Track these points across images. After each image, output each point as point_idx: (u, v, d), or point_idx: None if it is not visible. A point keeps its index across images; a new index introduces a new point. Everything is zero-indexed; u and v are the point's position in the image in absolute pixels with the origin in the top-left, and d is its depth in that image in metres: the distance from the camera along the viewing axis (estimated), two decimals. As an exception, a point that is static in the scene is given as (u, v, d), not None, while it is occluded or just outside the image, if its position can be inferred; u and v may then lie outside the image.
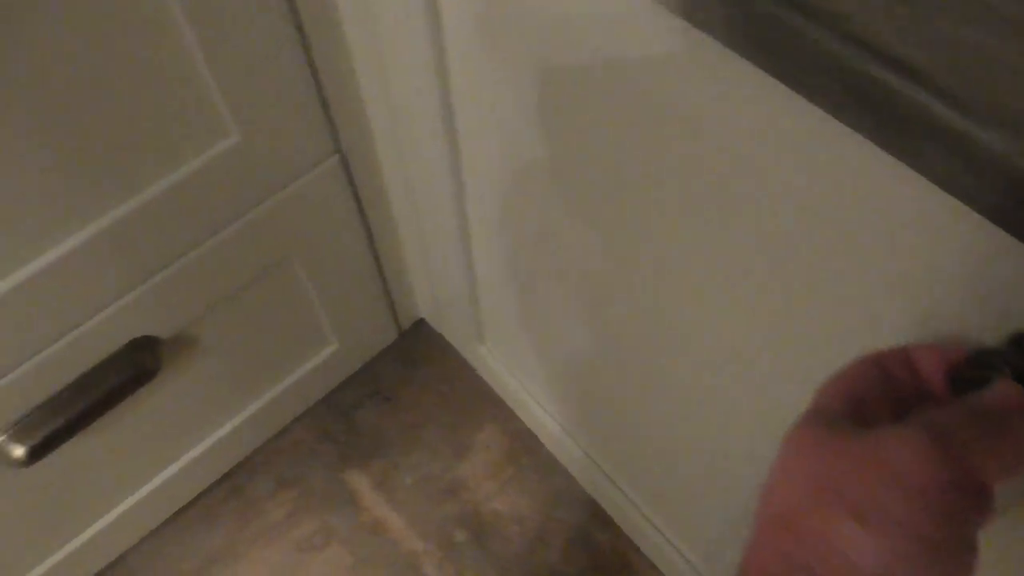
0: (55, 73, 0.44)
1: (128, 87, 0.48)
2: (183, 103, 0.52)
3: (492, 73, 0.47)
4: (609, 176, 0.44)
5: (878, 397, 0.27)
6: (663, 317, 0.49)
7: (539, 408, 0.90)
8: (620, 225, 0.47)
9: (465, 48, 0.47)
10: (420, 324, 1.01)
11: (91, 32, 0.44)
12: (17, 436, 0.60)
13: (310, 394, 0.89)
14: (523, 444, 1.03)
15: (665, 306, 0.48)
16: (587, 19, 0.36)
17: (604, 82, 0.38)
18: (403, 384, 1.09)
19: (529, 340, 0.77)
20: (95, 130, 0.48)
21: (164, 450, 0.78)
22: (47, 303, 0.54)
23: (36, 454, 0.60)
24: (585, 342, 0.64)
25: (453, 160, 0.59)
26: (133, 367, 0.63)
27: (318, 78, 0.58)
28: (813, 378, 0.29)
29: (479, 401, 1.07)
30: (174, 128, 0.53)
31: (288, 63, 0.55)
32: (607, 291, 0.54)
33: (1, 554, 0.70)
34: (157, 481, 0.80)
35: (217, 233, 0.61)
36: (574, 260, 0.56)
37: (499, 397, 1.03)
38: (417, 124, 0.60)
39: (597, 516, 1.00)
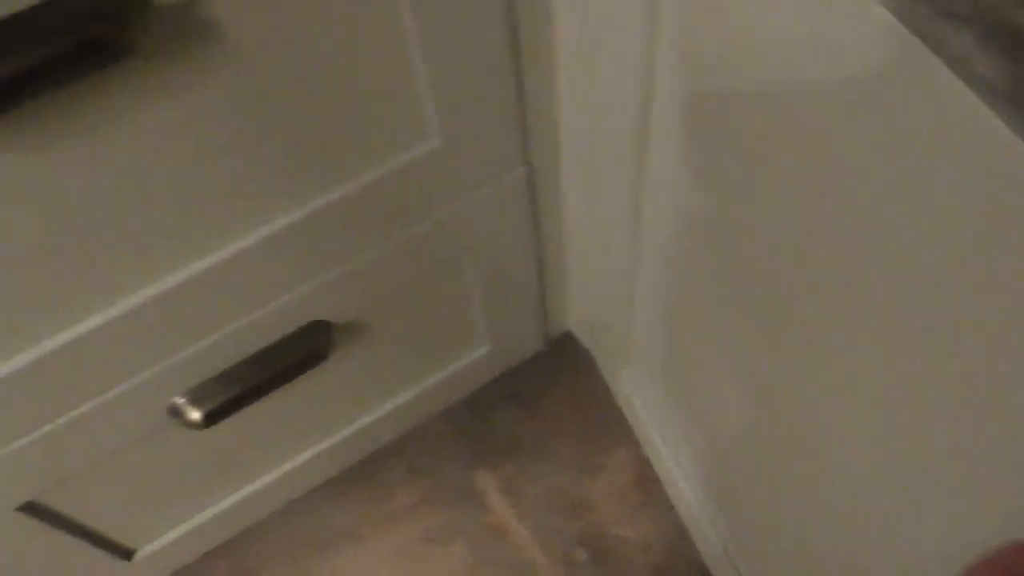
0: (277, 60, 0.45)
1: (345, 81, 0.49)
2: (396, 101, 0.52)
3: (692, 129, 0.45)
4: (783, 258, 0.42)
5: None
6: (817, 413, 0.46)
7: (669, 454, 0.87)
8: (786, 316, 0.44)
9: (672, 93, 0.46)
10: (567, 337, 1.00)
11: (317, 18, 0.44)
12: (195, 400, 0.63)
13: (455, 392, 0.90)
14: (655, 474, 1.00)
15: (821, 401, 0.45)
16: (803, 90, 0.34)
17: (804, 152, 0.35)
18: (541, 392, 1.08)
19: (671, 388, 0.75)
20: (307, 122, 0.50)
21: (316, 428, 0.81)
22: (242, 281, 0.56)
23: (210, 419, 0.63)
24: (728, 414, 0.61)
25: (635, 199, 0.57)
26: (308, 348, 0.65)
27: (523, 90, 0.58)
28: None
29: (615, 423, 1.05)
30: (382, 126, 0.53)
31: (498, 71, 0.55)
32: (761, 375, 0.52)
33: (154, 505, 0.74)
34: (305, 456, 0.83)
35: (402, 230, 0.62)
36: (732, 333, 0.53)
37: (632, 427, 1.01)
38: (607, 157, 0.59)
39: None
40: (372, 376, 0.79)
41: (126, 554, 0.77)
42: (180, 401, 0.62)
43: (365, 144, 0.54)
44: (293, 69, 0.46)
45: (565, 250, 0.80)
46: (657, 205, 0.57)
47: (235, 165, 0.49)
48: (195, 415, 0.63)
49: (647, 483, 1.01)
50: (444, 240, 0.66)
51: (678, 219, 0.54)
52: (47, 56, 0.35)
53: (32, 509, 0.63)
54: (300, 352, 0.64)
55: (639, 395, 0.90)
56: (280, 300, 0.61)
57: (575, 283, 0.84)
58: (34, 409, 0.55)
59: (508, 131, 0.60)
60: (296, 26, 0.44)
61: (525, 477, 1.03)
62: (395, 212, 0.60)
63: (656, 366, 0.77)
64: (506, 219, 0.68)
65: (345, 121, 0.51)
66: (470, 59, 0.52)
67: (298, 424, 0.78)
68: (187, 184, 0.48)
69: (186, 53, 0.42)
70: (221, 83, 0.44)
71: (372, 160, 0.55)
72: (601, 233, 0.71)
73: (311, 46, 0.45)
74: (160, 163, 0.46)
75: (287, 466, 0.83)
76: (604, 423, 1.05)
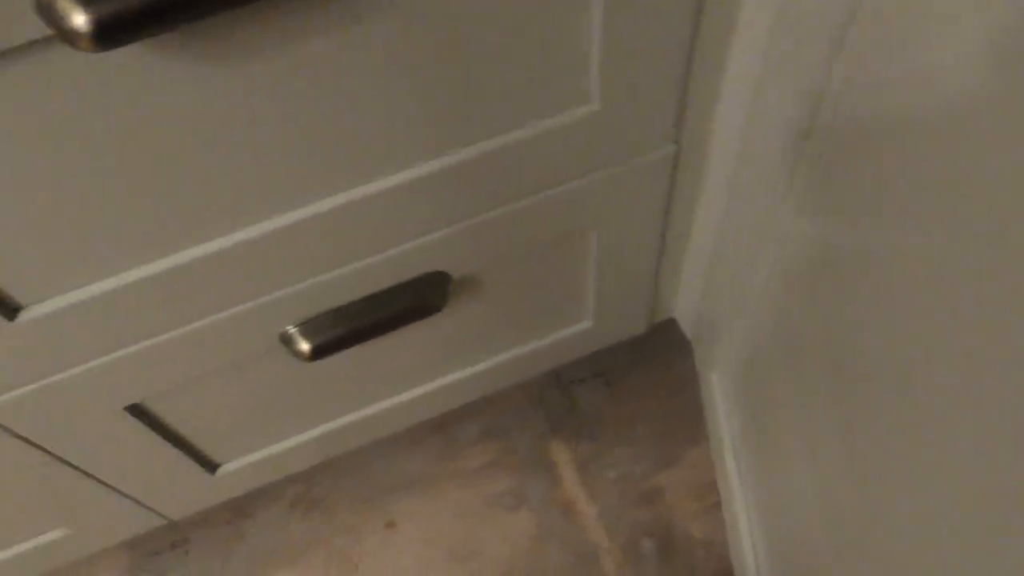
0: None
1: (515, 31, 0.46)
2: (562, 58, 0.50)
3: (848, 160, 0.41)
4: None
5: None
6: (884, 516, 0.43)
7: (735, 479, 0.84)
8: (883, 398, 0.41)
9: (840, 115, 0.42)
10: (669, 323, 0.97)
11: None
12: (307, 332, 0.62)
13: (547, 361, 0.88)
14: (737, 477, 0.97)
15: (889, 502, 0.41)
16: None
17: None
18: (629, 374, 1.06)
19: (749, 414, 0.72)
20: (468, 69, 0.48)
21: (408, 378, 0.81)
22: (373, 221, 0.55)
23: (318, 352, 0.63)
24: (804, 476, 0.58)
25: (770, 214, 0.54)
26: (425, 298, 0.64)
27: (691, 67, 0.55)
28: None
29: (699, 419, 1.02)
30: (542, 83, 0.51)
31: (674, 41, 0.52)
32: (838, 453, 0.48)
33: (245, 426, 0.75)
34: (391, 402, 0.83)
35: (539, 193, 0.60)
36: (817, 400, 0.50)
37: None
38: (755, 159, 0.56)
39: None
40: (474, 334, 0.77)
41: (212, 467, 0.79)
42: (293, 330, 0.62)
43: (521, 100, 0.52)
44: (464, 8, 0.44)
45: (689, 238, 0.77)
46: (789, 228, 0.55)
47: (389, 104, 0.48)
48: (304, 346, 0.62)
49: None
50: (576, 208, 0.64)
51: (805, 251, 0.51)
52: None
53: (137, 411, 0.65)
54: (416, 300, 0.63)
55: (723, 403, 0.87)
56: (406, 246, 0.59)
57: (690, 272, 0.81)
58: (158, 316, 0.55)
59: (668, 105, 0.57)
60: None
61: (600, 458, 1.01)
62: (536, 174, 0.58)
63: (741, 384, 0.74)
64: (642, 196, 0.66)
65: (507, 73, 0.49)
66: (650, 24, 0.49)
67: (391, 371, 0.78)
68: (341, 118, 0.47)
69: (375, -19, 0.40)
70: (392, 17, 0.42)
71: (525, 117, 0.53)
72: (728, 233, 0.68)
73: (495, -10, 0.43)
74: (320, 93, 0.45)
75: (372, 409, 0.83)
76: (688, 417, 1.03)
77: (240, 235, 0.52)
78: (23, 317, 0.51)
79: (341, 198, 0.53)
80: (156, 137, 0.43)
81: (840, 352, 0.49)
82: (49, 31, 0.35)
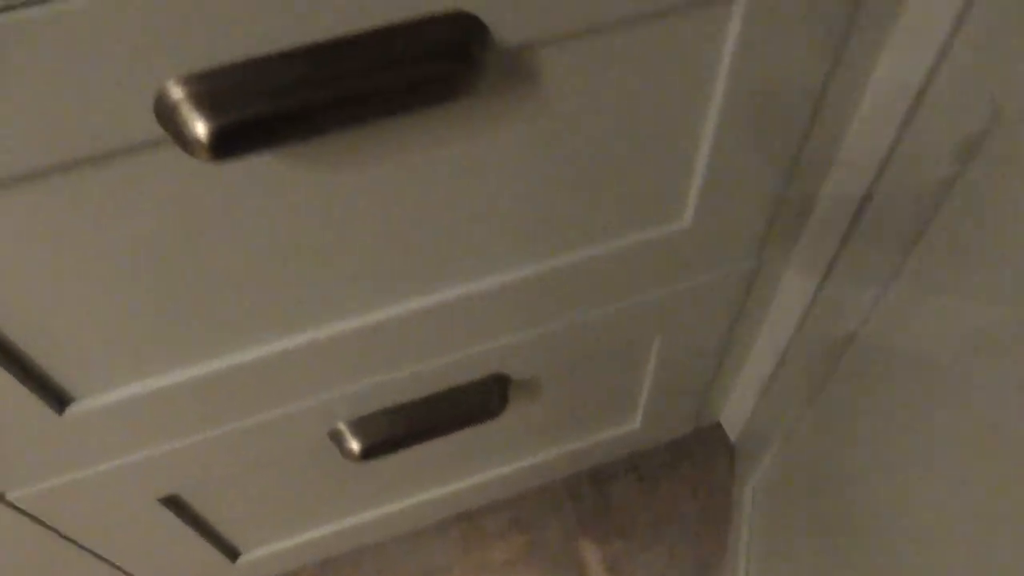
0: (570, 114, 0.41)
1: (629, 147, 0.44)
2: (667, 175, 0.48)
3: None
4: None
5: None
6: None
7: None
8: None
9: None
10: (713, 426, 0.94)
11: (633, 76, 0.40)
12: (358, 432, 0.59)
13: (588, 461, 0.85)
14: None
15: None
16: None
17: None
18: (665, 472, 1.02)
19: (776, 531, 0.68)
20: (577, 179, 0.46)
21: (449, 472, 0.77)
22: (444, 325, 0.53)
23: (368, 453, 0.59)
24: None
25: (831, 352, 0.52)
26: (482, 402, 0.60)
27: (786, 191, 0.53)
28: None
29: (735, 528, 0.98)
30: (644, 197, 0.49)
31: (775, 166, 0.50)
32: None
33: (274, 515, 0.71)
34: (426, 496, 0.79)
35: (616, 301, 0.57)
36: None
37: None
38: (829, 291, 0.53)
39: None
40: (519, 434, 0.74)
41: (233, 555, 0.74)
42: (343, 427, 0.59)
43: (619, 212, 0.49)
44: (583, 125, 0.42)
45: (751, 349, 0.74)
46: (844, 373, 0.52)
47: (491, 212, 0.45)
48: (355, 446, 0.59)
49: (763, 600, 0.94)
50: (647, 317, 0.61)
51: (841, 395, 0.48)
52: (386, 83, 0.32)
53: (170, 501, 0.61)
54: (475, 404, 0.60)
55: (749, 520, 0.83)
56: (471, 349, 0.56)
57: (747, 382, 0.78)
58: (209, 412, 0.52)
59: (757, 226, 0.55)
60: (610, 83, 0.40)
61: (632, 560, 0.96)
62: (615, 284, 0.55)
63: (769, 505, 0.71)
64: (713, 308, 0.63)
65: (612, 187, 0.47)
66: (756, 150, 0.47)
67: (430, 467, 0.74)
68: (439, 223, 0.44)
69: (496, 94, 0.38)
70: (510, 128, 0.40)
71: (618, 229, 0.51)
72: (791, 354, 0.65)
73: (612, 106, 0.41)
74: (422, 201, 0.42)
75: (404, 503, 0.79)
76: (724, 521, 0.98)
77: (305, 336, 0.49)
78: (72, 410, 0.47)
79: (418, 302, 0.50)
80: (235, 237, 0.40)
81: (850, 507, 0.46)
82: (165, 135, 0.32)
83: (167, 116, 0.31)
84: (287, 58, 0.31)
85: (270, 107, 0.31)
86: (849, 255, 0.54)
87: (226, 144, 0.31)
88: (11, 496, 0.52)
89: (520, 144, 0.41)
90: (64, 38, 0.28)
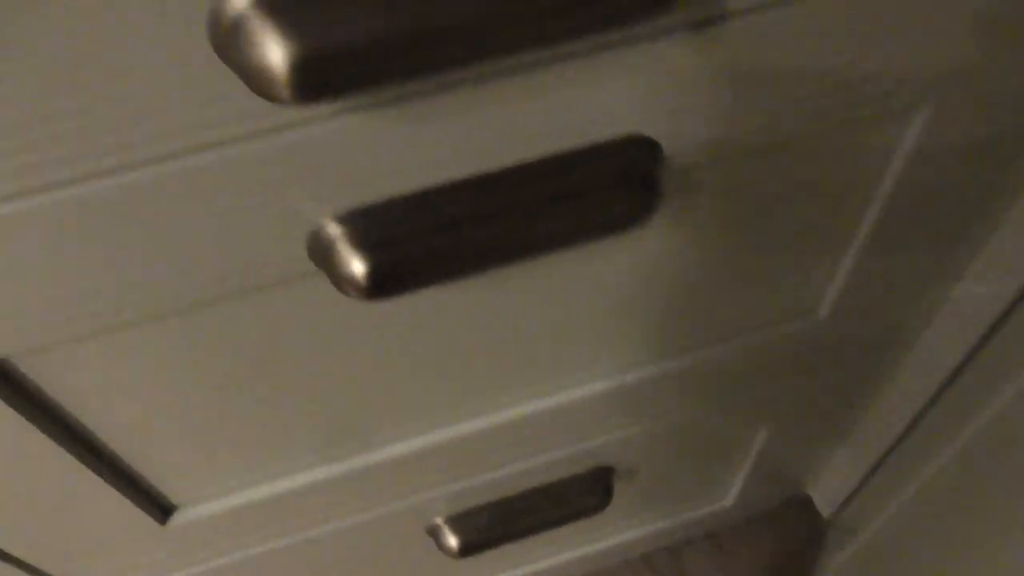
0: (725, 224, 0.38)
1: (779, 244, 0.41)
2: (812, 274, 0.44)
3: None
4: None
5: None
6: None
7: None
8: None
9: None
10: (802, 500, 0.89)
11: (795, 183, 0.37)
12: (457, 528, 0.56)
13: (674, 536, 0.81)
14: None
15: None
16: None
17: None
18: (743, 541, 0.97)
19: None
20: (714, 281, 0.42)
21: (532, 552, 0.73)
22: (559, 426, 0.50)
23: (467, 550, 0.56)
24: None
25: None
26: (587, 494, 0.57)
27: (932, 294, 0.49)
28: None
29: (828, 603, 0.93)
30: (780, 295, 0.46)
31: (924, 267, 0.46)
32: None
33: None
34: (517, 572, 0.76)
35: (737, 395, 0.54)
36: None
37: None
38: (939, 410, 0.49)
39: None
40: (612, 516, 0.71)
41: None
42: (442, 523, 0.56)
43: (753, 311, 0.46)
44: (732, 227, 0.39)
45: (861, 434, 0.70)
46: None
47: (618, 313, 0.42)
48: (453, 542, 0.56)
49: None
50: (761, 409, 0.58)
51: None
52: (559, 216, 0.29)
53: (258, 598, 0.58)
54: (580, 499, 0.57)
55: None
56: (582, 446, 0.53)
57: (852, 463, 0.74)
58: (310, 516, 0.49)
59: (895, 322, 0.51)
60: (770, 187, 0.37)
61: (713, 637, 0.92)
62: (736, 377, 0.52)
63: None
64: (831, 400, 0.59)
65: (751, 286, 0.44)
66: (911, 252, 0.44)
67: (518, 545, 0.71)
68: (567, 330, 0.42)
69: (662, 209, 0.35)
70: (657, 236, 0.37)
71: (748, 327, 0.48)
72: (905, 447, 0.62)
73: (768, 208, 0.38)
74: (553, 306, 0.40)
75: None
76: (809, 598, 0.93)
77: (416, 443, 0.46)
78: (175, 519, 0.45)
79: (536, 405, 0.47)
80: (357, 354, 0.38)
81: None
82: (314, 269, 0.30)
83: (321, 254, 0.29)
84: (449, 191, 0.29)
85: (433, 245, 0.28)
86: (990, 353, 0.51)
87: (384, 285, 0.28)
88: (103, 598, 0.50)
89: (663, 250, 0.38)
90: (225, 179, 0.26)
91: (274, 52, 0.20)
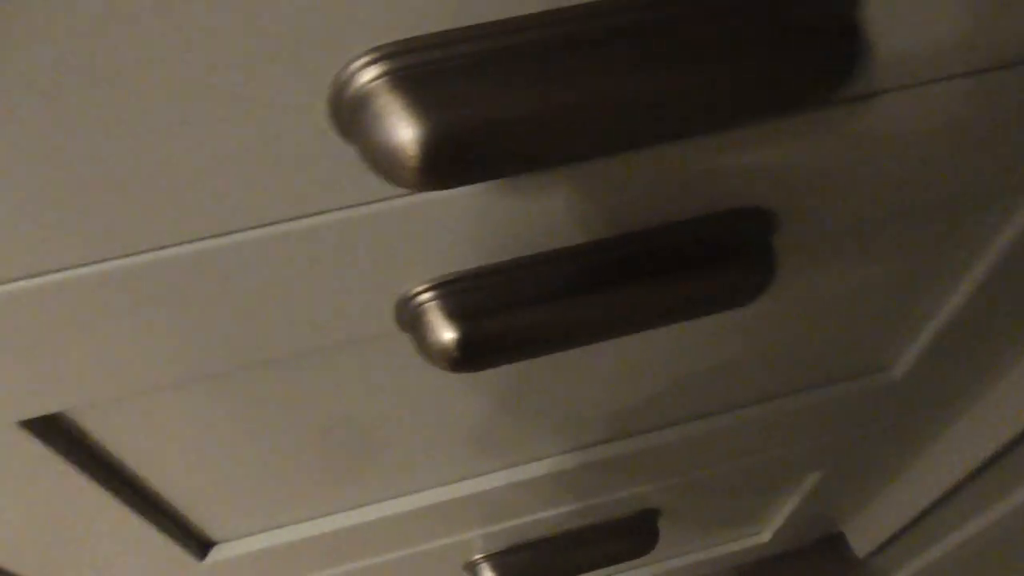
0: (824, 281, 0.35)
1: (870, 304, 0.39)
2: (896, 333, 0.42)
3: None
4: None
5: None
6: None
7: None
8: None
9: None
10: (834, 537, 0.87)
11: (898, 250, 0.35)
12: (496, 567, 0.54)
13: (708, 569, 0.79)
14: None
15: None
16: None
17: None
18: (771, 572, 0.95)
19: None
20: (799, 338, 0.40)
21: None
22: (618, 472, 0.47)
23: (504, 590, 0.54)
24: None
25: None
26: (632, 537, 0.55)
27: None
28: None
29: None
30: (861, 352, 0.44)
31: (1016, 332, 0.44)
32: None
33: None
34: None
35: (799, 443, 0.52)
36: None
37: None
38: None
39: None
40: (661, 551, 0.69)
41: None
42: (480, 560, 0.54)
43: (831, 365, 0.44)
44: (825, 290, 0.36)
45: (909, 482, 0.68)
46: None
47: (696, 367, 0.40)
48: (491, 580, 0.54)
49: None
50: (820, 454, 0.55)
51: None
52: (664, 292, 0.27)
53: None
54: (625, 542, 0.55)
55: None
56: (633, 491, 0.51)
57: (897, 510, 0.72)
58: (348, 551, 0.47)
59: (973, 379, 0.49)
60: (872, 254, 0.34)
61: (735, 670, 0.90)
62: (799, 427, 0.50)
63: None
64: (889, 451, 0.57)
65: (835, 342, 0.41)
66: (1002, 320, 0.41)
67: None
68: (643, 384, 0.39)
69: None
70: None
71: (823, 380, 0.45)
72: (954, 498, 0.59)
73: (865, 273, 0.36)
74: (632, 361, 0.37)
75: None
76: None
77: (462, 487, 0.44)
78: (213, 556, 0.43)
79: (597, 454, 0.45)
80: (423, 408, 0.36)
81: None
82: (402, 333, 0.28)
83: (409, 319, 0.27)
84: (549, 262, 0.26)
85: (529, 318, 0.26)
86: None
87: (474, 358, 0.26)
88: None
89: (754, 311, 0.36)
90: (322, 244, 0.24)
91: (403, 132, 0.18)
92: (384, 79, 0.18)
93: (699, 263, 0.27)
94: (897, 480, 0.70)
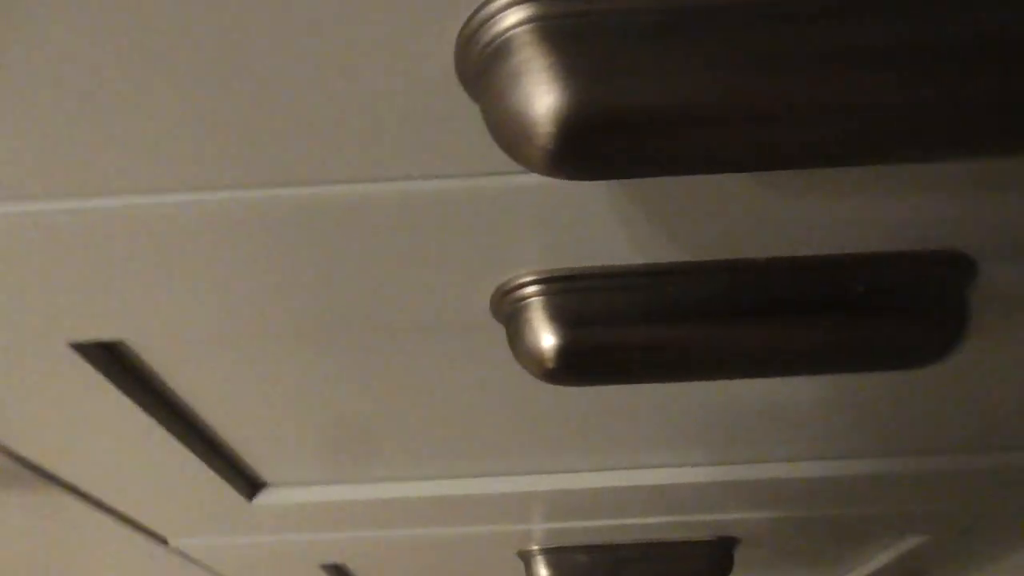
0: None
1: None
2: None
3: None
4: None
5: None
6: None
7: None
8: None
9: None
10: None
11: None
12: (552, 562, 0.51)
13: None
14: None
15: None
16: None
17: None
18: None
19: None
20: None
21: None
22: (690, 498, 0.43)
23: (557, 589, 0.51)
24: None
25: None
26: (702, 563, 0.51)
27: None
28: None
29: None
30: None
31: None
32: None
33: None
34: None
35: (914, 505, 0.46)
36: None
37: None
38: None
39: None
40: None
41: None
42: (536, 551, 0.51)
43: (983, 429, 0.38)
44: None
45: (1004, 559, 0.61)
46: None
47: (829, 405, 0.35)
48: (544, 574, 0.51)
49: None
50: (934, 519, 0.49)
51: None
52: (824, 337, 0.22)
53: (335, 569, 0.55)
54: (693, 567, 0.50)
55: None
56: (715, 516, 0.47)
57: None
58: (400, 518, 0.45)
59: None
60: None
61: None
62: (938, 489, 0.44)
63: None
64: (1001, 530, 0.50)
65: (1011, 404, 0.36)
66: None
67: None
68: (767, 407, 0.35)
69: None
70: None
71: (987, 447, 0.40)
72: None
73: None
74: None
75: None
76: None
77: (534, 480, 0.41)
78: (261, 498, 0.41)
79: (685, 475, 0.41)
80: (511, 394, 0.32)
81: None
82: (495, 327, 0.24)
83: (506, 312, 0.23)
84: (684, 274, 0.22)
85: (645, 337, 0.22)
86: None
87: (571, 373, 0.22)
88: (178, 543, 0.48)
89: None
90: (435, 209, 0.20)
91: (540, 98, 0.13)
92: (530, 26, 0.13)
93: (876, 307, 0.21)
94: (1004, 560, 0.63)
